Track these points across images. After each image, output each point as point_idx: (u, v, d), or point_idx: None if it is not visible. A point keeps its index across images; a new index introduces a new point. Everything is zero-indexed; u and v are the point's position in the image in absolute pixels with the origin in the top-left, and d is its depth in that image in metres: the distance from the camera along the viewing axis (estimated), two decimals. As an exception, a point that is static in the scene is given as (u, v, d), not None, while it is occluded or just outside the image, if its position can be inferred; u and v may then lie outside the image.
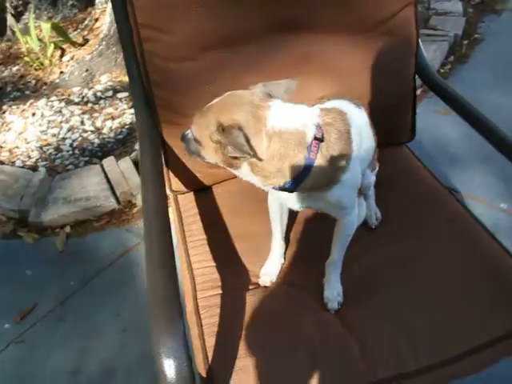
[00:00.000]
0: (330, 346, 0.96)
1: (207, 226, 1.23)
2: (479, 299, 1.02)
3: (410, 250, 1.14)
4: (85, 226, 2.07)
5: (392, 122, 1.35)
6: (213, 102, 0.90)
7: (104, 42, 2.95)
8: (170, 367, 0.73)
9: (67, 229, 2.04)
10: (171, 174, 1.29)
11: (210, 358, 0.94)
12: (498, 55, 2.99)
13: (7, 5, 3.27)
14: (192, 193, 1.33)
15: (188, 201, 1.30)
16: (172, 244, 0.90)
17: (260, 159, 0.84)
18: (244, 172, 0.89)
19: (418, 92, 2.65)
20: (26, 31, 3.07)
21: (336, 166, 0.90)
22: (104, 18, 3.11)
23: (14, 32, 3.23)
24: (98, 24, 3.20)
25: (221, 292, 1.07)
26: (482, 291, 1.03)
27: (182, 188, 1.32)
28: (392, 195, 1.27)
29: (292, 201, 0.99)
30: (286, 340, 0.98)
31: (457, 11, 3.31)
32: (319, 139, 0.87)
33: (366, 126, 1.07)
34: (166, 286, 0.82)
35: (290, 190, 0.91)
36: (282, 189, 0.91)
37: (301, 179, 0.88)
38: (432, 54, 2.90)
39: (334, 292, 1.06)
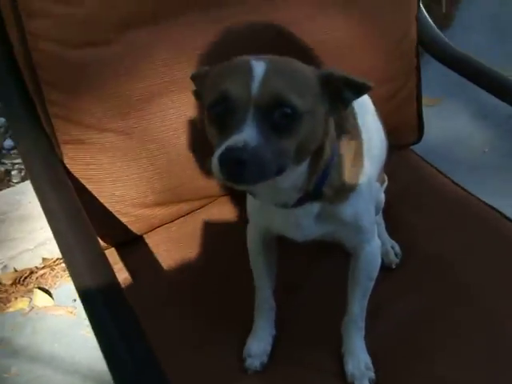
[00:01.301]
0: None
1: (146, 296, 1.26)
2: None
3: (451, 292, 1.22)
4: None
5: (393, 115, 1.43)
6: (260, 68, 0.84)
7: None
8: None
9: None
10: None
11: None
12: (489, 12, 3.24)
13: None
14: (113, 249, 1.38)
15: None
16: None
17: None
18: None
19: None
20: None
21: (353, 162, 1.00)
22: None
23: None
24: None
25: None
26: None
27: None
28: (409, 217, 1.37)
29: (296, 227, 1.04)
30: None
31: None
32: None
33: (373, 115, 1.18)
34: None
35: (316, 196, 0.97)
36: (311, 193, 0.96)
37: (328, 171, 0.95)
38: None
39: (360, 365, 1.10)
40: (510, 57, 2.77)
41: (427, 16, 1.49)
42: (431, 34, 1.48)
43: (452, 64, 1.44)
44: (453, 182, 1.47)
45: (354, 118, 1.03)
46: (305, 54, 1.34)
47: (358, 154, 1.01)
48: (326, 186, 0.96)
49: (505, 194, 2.13)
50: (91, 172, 1.28)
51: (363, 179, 1.01)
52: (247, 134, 0.78)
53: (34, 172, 1.18)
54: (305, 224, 1.03)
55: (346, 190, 0.99)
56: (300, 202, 0.96)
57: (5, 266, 2.02)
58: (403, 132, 1.53)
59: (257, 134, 0.79)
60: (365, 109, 1.12)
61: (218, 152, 0.79)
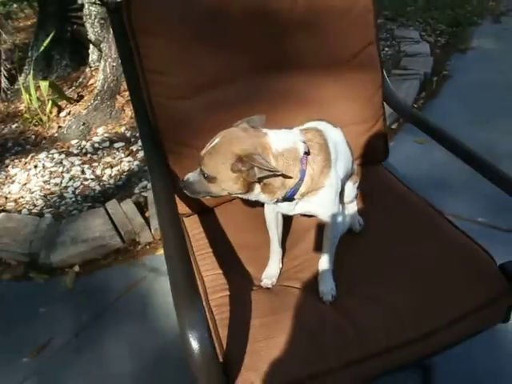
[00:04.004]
0: (327, 328, 1.11)
1: (212, 241, 1.39)
2: (452, 280, 1.21)
3: (390, 247, 1.32)
4: (92, 264, 2.24)
5: (367, 143, 1.58)
6: (214, 143, 1.03)
7: (99, 97, 3.22)
8: (193, 339, 0.88)
9: (76, 268, 2.21)
10: (177, 199, 1.42)
11: (224, 346, 1.10)
12: (465, 88, 3.36)
13: (1, 68, 3.56)
14: (196, 215, 1.50)
15: (193, 221, 1.49)
16: (188, 254, 1.07)
17: (280, 174, 1.02)
18: (255, 193, 1.07)
19: (394, 126, 2.92)
20: (19, 93, 3.35)
21: (321, 173, 1.10)
22: (97, 76, 3.39)
23: (6, 94, 3.55)
24: (91, 81, 3.48)
25: (228, 293, 1.21)
26: (454, 273, 1.23)
27: (187, 211, 1.49)
28: (370, 204, 1.47)
29: (287, 208, 1.17)
30: (288, 327, 1.10)
31: (425, 52, 3.70)
32: (307, 153, 1.08)
33: (342, 142, 1.26)
34: (185, 277, 0.99)
35: (290, 199, 1.11)
36: (284, 199, 1.09)
37: (297, 188, 1.08)
38: (405, 90, 3.22)
39: (327, 286, 1.20)
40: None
41: (389, 84, 1.58)
42: (392, 95, 1.59)
43: (400, 114, 1.58)
44: (408, 188, 1.52)
45: (326, 146, 1.12)
46: (305, 105, 1.47)
47: (326, 167, 1.10)
48: (297, 195, 1.09)
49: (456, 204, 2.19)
50: (182, 169, 1.31)
51: (329, 181, 1.11)
52: (191, 176, 1.09)
53: (152, 170, 1.36)
54: (289, 208, 1.16)
55: (315, 189, 1.11)
56: (284, 200, 1.10)
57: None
58: (374, 153, 1.62)
59: (196, 177, 1.07)
60: (335, 139, 1.20)
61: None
